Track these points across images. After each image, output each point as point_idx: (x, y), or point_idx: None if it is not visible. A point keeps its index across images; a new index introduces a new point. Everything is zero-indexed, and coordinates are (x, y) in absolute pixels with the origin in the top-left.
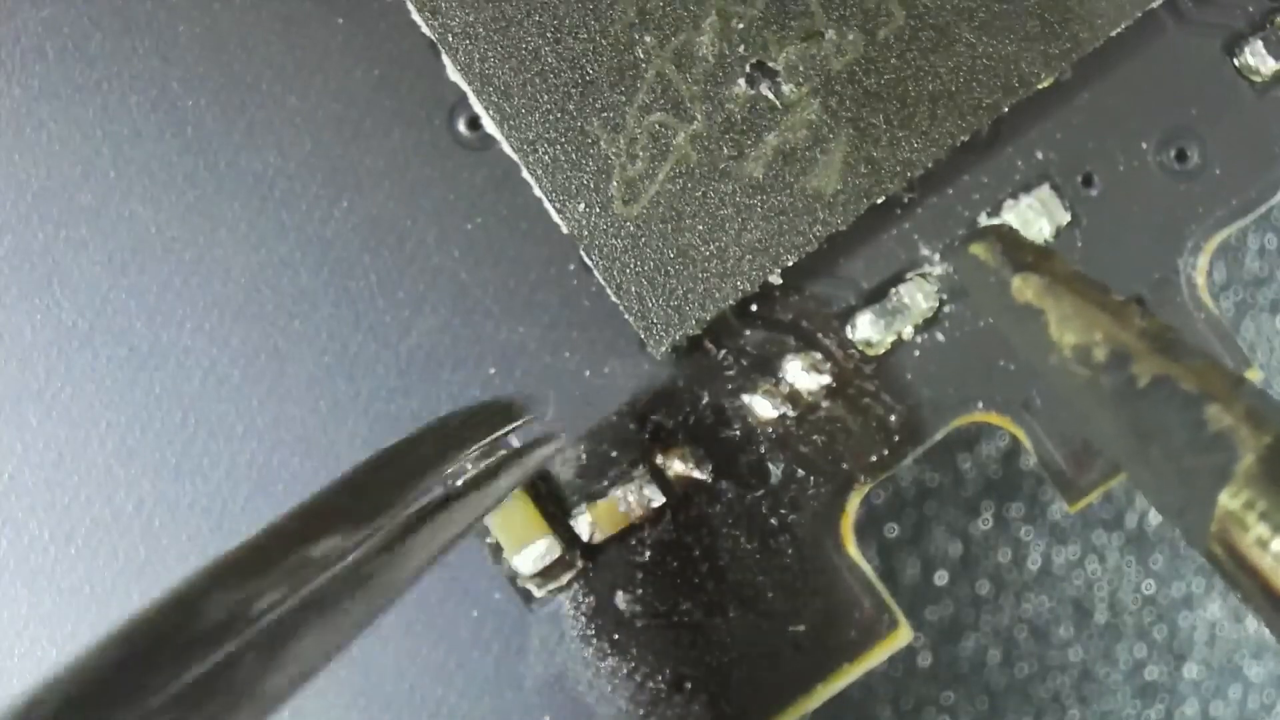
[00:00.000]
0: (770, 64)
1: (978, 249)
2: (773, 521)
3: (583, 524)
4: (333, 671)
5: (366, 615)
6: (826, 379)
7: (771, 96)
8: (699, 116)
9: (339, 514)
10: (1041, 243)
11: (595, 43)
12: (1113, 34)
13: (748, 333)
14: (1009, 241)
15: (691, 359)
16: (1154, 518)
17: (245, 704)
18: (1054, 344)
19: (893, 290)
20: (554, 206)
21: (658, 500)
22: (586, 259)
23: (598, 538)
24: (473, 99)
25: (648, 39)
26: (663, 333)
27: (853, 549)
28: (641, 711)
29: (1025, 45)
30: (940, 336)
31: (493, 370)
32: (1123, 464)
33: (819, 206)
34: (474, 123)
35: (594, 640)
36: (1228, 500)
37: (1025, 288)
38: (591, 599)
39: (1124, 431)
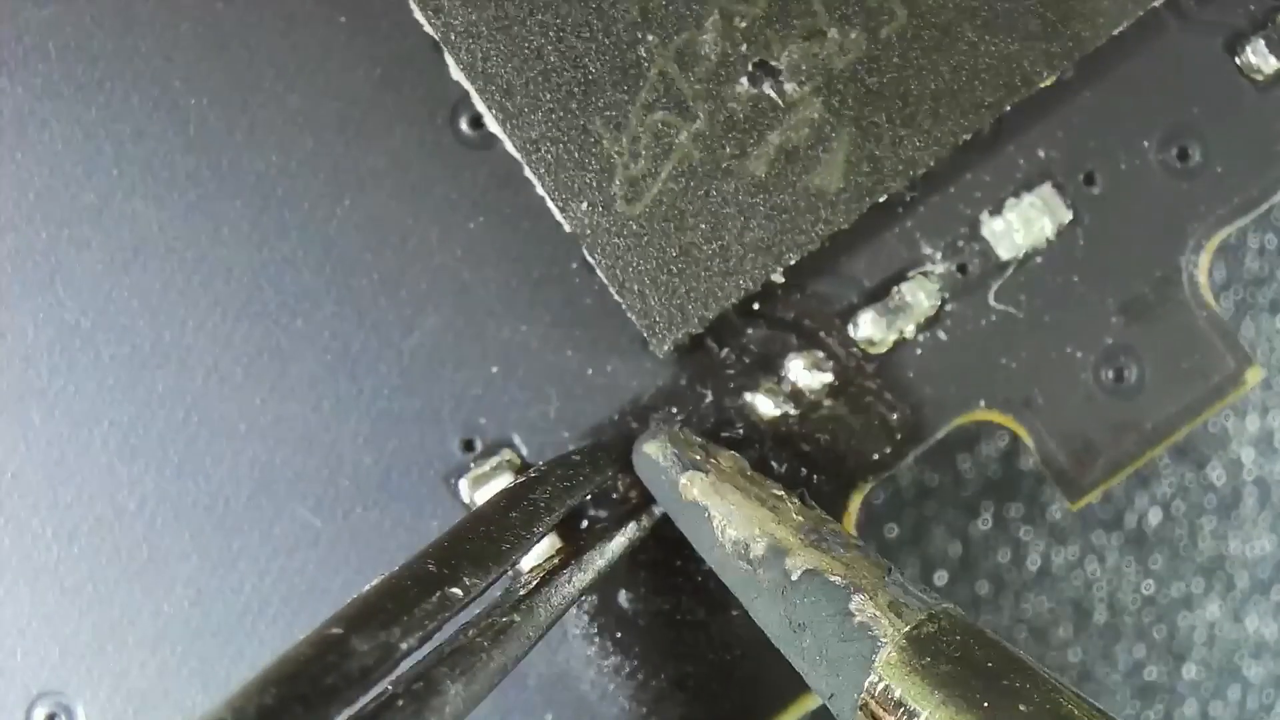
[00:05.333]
0: (773, 63)
1: (651, 448)
2: None
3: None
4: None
5: (505, 664)
6: (829, 377)
7: (774, 95)
8: (701, 115)
9: (473, 554)
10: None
11: (598, 41)
12: (1114, 32)
13: (750, 331)
14: (678, 441)
15: (694, 357)
16: (1153, 518)
17: None
18: (718, 539)
19: (895, 289)
20: (556, 205)
21: None
22: (589, 258)
23: None
24: (475, 98)
25: (650, 38)
26: (665, 331)
27: None
28: (644, 710)
29: (1027, 44)
30: (942, 335)
31: (495, 369)
32: (783, 651)
33: (821, 205)
34: (476, 121)
35: (597, 638)
36: (871, 687)
37: (691, 486)
38: (594, 597)
39: (780, 622)
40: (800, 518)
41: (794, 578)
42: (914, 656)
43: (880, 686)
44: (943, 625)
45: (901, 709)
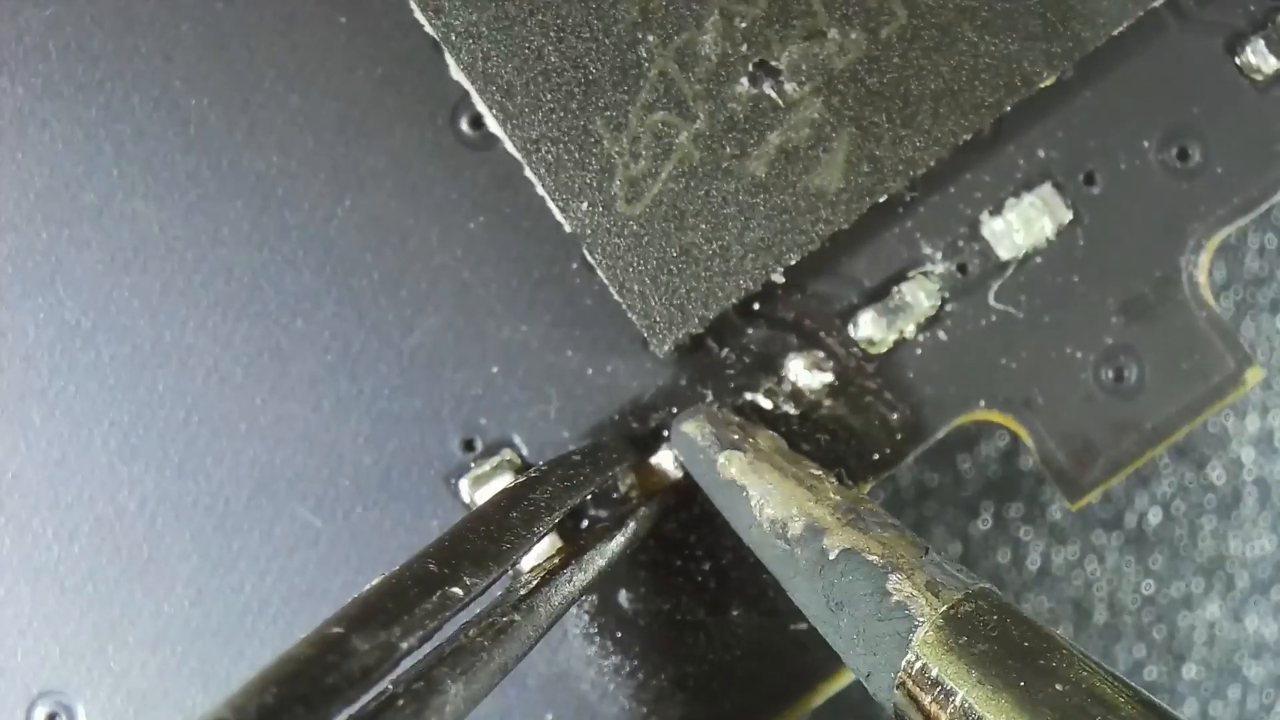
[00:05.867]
0: (773, 63)
1: (689, 427)
2: None
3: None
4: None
5: (506, 663)
6: (829, 377)
7: (774, 95)
8: (702, 115)
9: (473, 554)
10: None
11: (598, 42)
12: (1114, 33)
13: (750, 331)
14: (716, 421)
15: (694, 357)
16: (1154, 517)
17: None
18: (756, 518)
19: (895, 289)
20: (557, 205)
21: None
22: (589, 258)
23: None
24: (475, 98)
25: (650, 38)
26: (666, 331)
27: None
28: (644, 709)
29: (1027, 44)
30: (942, 335)
31: (495, 369)
32: (820, 630)
33: (821, 205)
34: (477, 122)
35: (597, 638)
36: (908, 666)
37: (729, 465)
38: (594, 597)
39: (817, 601)
40: (838, 497)
41: (831, 557)
42: (951, 636)
43: (917, 665)
44: (980, 605)
45: (938, 688)
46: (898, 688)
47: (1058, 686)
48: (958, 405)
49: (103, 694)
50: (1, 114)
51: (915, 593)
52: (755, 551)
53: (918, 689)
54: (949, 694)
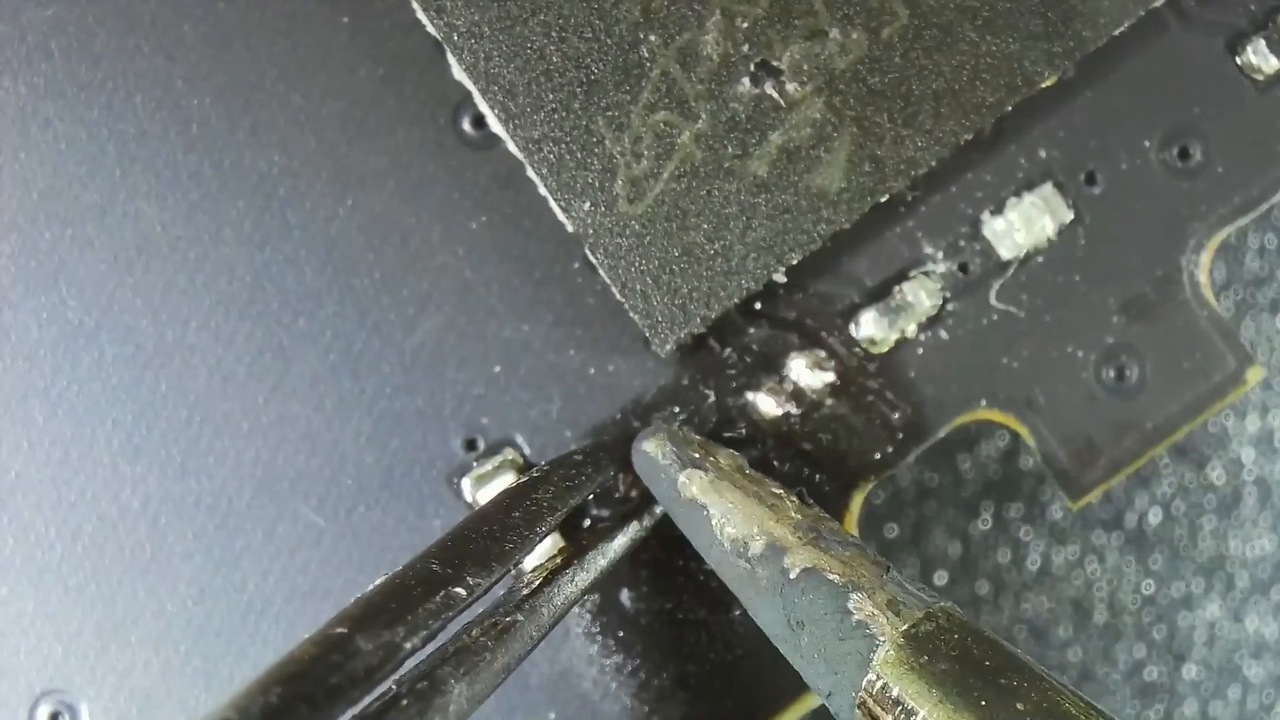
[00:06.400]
0: (774, 63)
1: (650, 446)
2: None
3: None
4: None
5: (509, 663)
6: (830, 377)
7: (775, 95)
8: (703, 115)
9: (476, 554)
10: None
11: (600, 42)
12: (1115, 32)
13: (752, 331)
14: (677, 440)
15: (696, 357)
16: (1154, 517)
17: None
18: (716, 538)
19: (896, 288)
20: (559, 205)
21: None
22: (591, 257)
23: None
24: (478, 98)
25: (652, 38)
26: (667, 331)
27: None
28: (646, 708)
29: (1028, 44)
30: (944, 334)
31: (497, 368)
32: (781, 650)
33: (823, 205)
34: (479, 121)
35: (599, 637)
36: (869, 685)
37: (690, 484)
38: (597, 596)
39: (778, 620)
40: (799, 516)
41: (792, 576)
42: (912, 655)
43: (878, 685)
44: (941, 624)
45: (899, 707)
46: (859, 707)
47: (1019, 706)
48: (959, 404)
49: (106, 693)
50: (4, 113)
51: (876, 612)
52: (717, 571)
53: (879, 709)
54: (910, 713)
